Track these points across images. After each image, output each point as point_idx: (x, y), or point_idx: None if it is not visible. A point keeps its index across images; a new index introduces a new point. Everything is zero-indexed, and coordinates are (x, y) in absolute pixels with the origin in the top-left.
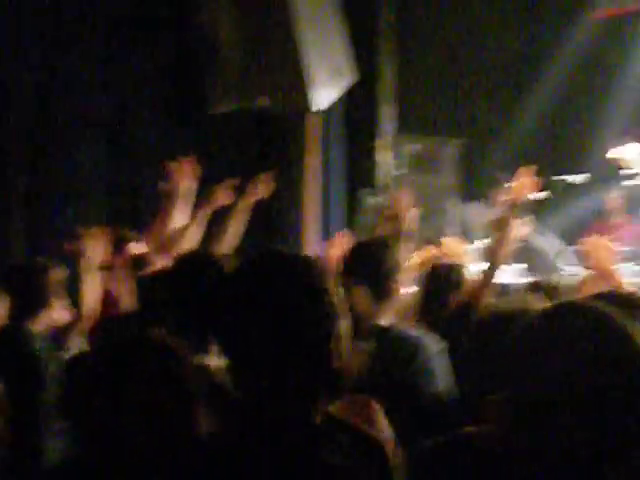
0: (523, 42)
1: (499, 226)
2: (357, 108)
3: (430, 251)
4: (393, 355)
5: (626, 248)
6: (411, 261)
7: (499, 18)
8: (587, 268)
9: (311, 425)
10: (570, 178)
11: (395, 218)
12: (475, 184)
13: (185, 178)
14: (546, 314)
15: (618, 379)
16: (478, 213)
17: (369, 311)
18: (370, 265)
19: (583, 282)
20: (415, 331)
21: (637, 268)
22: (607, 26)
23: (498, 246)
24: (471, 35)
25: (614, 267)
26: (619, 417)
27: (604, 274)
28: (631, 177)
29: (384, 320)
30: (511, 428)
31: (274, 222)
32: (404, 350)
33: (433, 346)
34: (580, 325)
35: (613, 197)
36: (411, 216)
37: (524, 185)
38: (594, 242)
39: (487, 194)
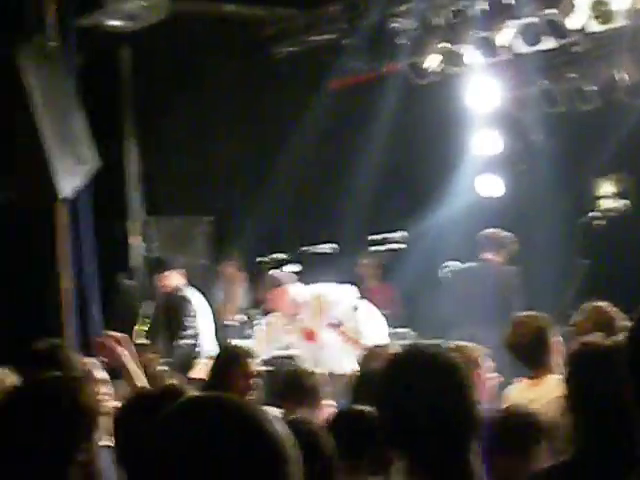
0: (266, 117)
1: None
2: (104, 193)
3: None
4: None
5: (382, 312)
6: None
7: (239, 99)
8: None
9: None
10: (319, 248)
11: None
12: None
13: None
14: None
15: None
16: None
17: None
18: None
19: None
20: None
21: (396, 331)
22: (344, 96)
23: None
24: (213, 117)
25: None
26: None
27: None
28: (380, 243)
29: None
30: None
31: (33, 310)
32: None
33: None
34: None
35: (364, 263)
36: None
37: None
38: None
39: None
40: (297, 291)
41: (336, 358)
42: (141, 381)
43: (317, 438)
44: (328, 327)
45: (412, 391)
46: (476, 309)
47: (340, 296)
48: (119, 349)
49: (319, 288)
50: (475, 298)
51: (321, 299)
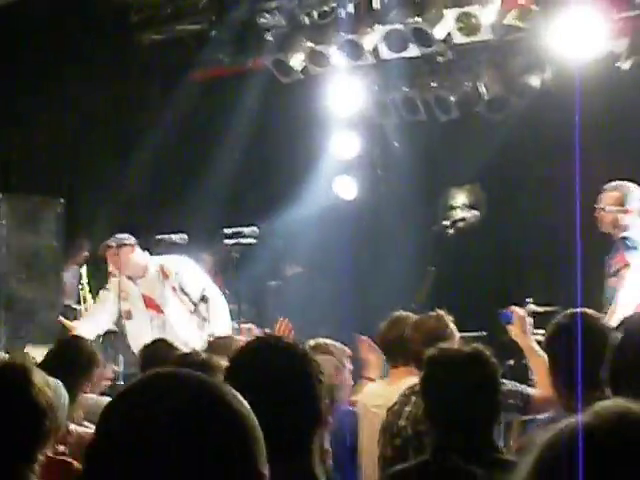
0: (129, 103)
1: None
2: None
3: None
4: None
5: None
6: None
7: (102, 83)
8: None
9: None
10: (171, 237)
11: None
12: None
13: None
14: None
15: None
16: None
17: None
18: None
19: None
20: None
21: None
22: (207, 88)
23: None
24: (75, 98)
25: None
26: None
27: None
28: (231, 236)
29: None
30: None
31: None
32: None
33: None
34: None
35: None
36: None
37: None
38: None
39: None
40: (142, 255)
41: (183, 333)
42: None
43: None
44: (172, 292)
45: (256, 382)
46: None
47: (189, 273)
48: None
49: (168, 259)
50: None
51: (165, 268)
